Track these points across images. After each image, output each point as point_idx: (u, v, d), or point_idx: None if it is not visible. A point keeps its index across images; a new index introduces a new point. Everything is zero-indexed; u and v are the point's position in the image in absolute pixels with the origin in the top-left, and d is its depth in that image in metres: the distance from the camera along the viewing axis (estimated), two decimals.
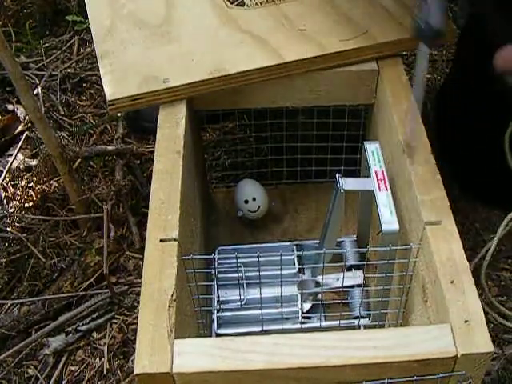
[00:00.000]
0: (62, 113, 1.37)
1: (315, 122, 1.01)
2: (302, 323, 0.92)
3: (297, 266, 0.97)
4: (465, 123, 1.10)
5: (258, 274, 0.74)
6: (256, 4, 0.95)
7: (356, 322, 0.90)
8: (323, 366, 0.58)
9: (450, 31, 0.91)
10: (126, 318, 1.03)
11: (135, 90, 0.82)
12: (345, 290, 0.95)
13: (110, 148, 1.25)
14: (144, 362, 0.59)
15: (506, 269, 1.08)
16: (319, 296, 0.94)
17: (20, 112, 1.36)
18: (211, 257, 0.75)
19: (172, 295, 0.64)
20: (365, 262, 0.83)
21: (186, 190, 0.77)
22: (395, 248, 0.72)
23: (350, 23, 0.90)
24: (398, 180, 0.80)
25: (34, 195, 1.19)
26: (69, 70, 1.45)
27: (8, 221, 1.16)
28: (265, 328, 0.87)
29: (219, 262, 0.90)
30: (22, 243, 1.11)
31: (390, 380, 0.60)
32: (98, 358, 0.99)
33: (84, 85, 1.44)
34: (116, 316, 1.04)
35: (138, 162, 1.25)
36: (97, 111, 1.38)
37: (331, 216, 0.85)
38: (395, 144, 0.81)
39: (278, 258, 0.72)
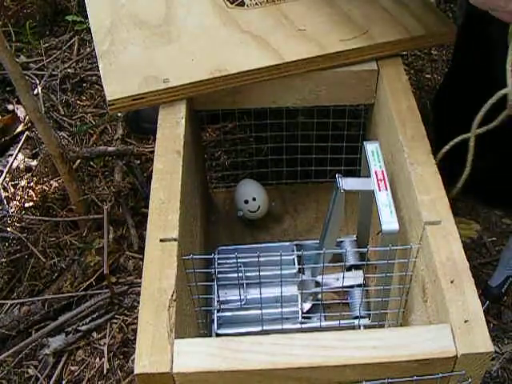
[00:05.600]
0: (62, 113, 1.37)
1: (315, 122, 1.01)
2: (301, 323, 0.92)
3: (297, 265, 0.97)
4: (464, 123, 1.10)
5: (258, 273, 0.74)
6: (256, 4, 0.95)
7: (356, 322, 0.90)
8: (323, 366, 0.58)
9: (450, 31, 0.91)
10: (126, 318, 1.03)
11: (135, 89, 0.82)
12: (345, 289, 0.95)
13: (110, 149, 1.25)
14: (144, 361, 0.59)
15: None
16: (319, 296, 0.94)
17: (20, 112, 1.36)
18: (211, 257, 0.75)
19: (172, 295, 0.64)
20: (365, 262, 0.83)
21: (186, 189, 0.77)
22: (395, 248, 0.72)
23: (350, 23, 0.90)
24: (398, 180, 0.80)
25: (34, 195, 1.19)
26: (69, 70, 1.45)
27: (8, 221, 1.16)
28: (265, 328, 0.87)
29: (219, 262, 0.90)
30: (22, 243, 1.11)
31: (389, 380, 0.60)
32: (98, 358, 0.99)
33: (84, 85, 1.44)
34: (116, 316, 1.04)
35: (138, 162, 1.25)
36: (97, 111, 1.38)
37: (331, 216, 0.85)
38: (395, 144, 0.81)
39: (278, 258, 0.72)
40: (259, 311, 0.85)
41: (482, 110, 0.78)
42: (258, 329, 0.87)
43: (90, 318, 1.03)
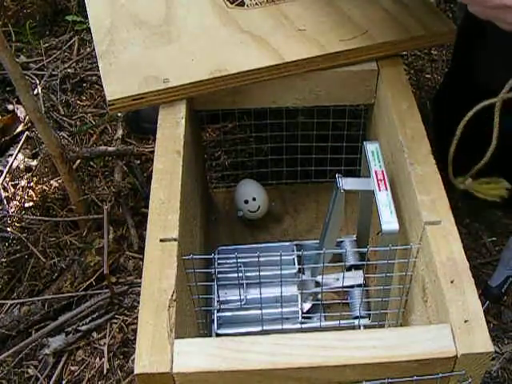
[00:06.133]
0: (62, 113, 1.37)
1: (315, 122, 1.01)
2: (302, 323, 0.92)
3: (297, 265, 0.97)
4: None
5: (258, 273, 0.74)
6: (256, 4, 0.95)
7: (356, 322, 0.90)
8: (323, 366, 0.58)
9: (450, 31, 0.91)
10: (126, 318, 1.03)
11: (135, 89, 0.82)
12: (345, 289, 0.95)
13: (110, 149, 1.25)
14: (144, 361, 0.59)
15: None
16: (319, 296, 0.94)
17: (20, 112, 1.36)
18: (211, 257, 0.75)
19: (172, 295, 0.64)
20: (365, 262, 0.83)
21: (186, 189, 0.77)
22: (395, 248, 0.72)
23: (350, 23, 0.90)
24: (398, 180, 0.80)
25: (34, 195, 1.19)
26: (69, 70, 1.45)
27: (8, 221, 1.16)
28: (265, 328, 0.87)
29: (219, 262, 0.90)
30: (22, 243, 1.11)
31: (389, 380, 0.60)
32: (98, 358, 0.99)
33: (84, 85, 1.44)
34: (116, 316, 1.04)
35: (138, 162, 1.25)
36: (97, 111, 1.38)
37: (331, 216, 0.85)
38: (395, 144, 0.81)
39: (278, 258, 0.72)
40: (259, 311, 0.85)
41: (508, 84, 0.76)
42: (258, 329, 0.87)
43: (90, 318, 1.03)
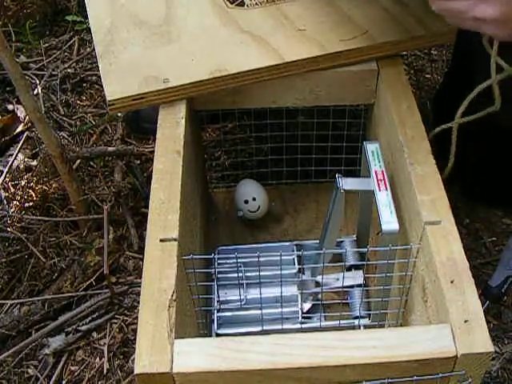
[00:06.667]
0: (62, 113, 1.37)
1: (315, 122, 1.01)
2: (302, 323, 0.92)
3: (297, 265, 0.97)
4: (464, 123, 1.09)
5: (258, 273, 0.74)
6: (256, 4, 0.95)
7: (356, 322, 0.90)
8: (323, 366, 0.58)
9: (450, 31, 0.91)
10: (126, 318, 1.03)
11: (135, 89, 0.82)
12: (345, 289, 0.95)
13: (110, 149, 1.25)
14: (144, 361, 0.59)
15: None
16: (319, 296, 0.94)
17: (20, 112, 1.36)
18: (211, 257, 0.75)
19: (172, 295, 0.64)
20: (365, 262, 0.83)
21: (186, 189, 0.77)
22: (395, 248, 0.72)
23: (350, 23, 0.90)
24: (398, 180, 0.80)
25: (34, 195, 1.19)
26: (69, 70, 1.45)
27: (8, 221, 1.16)
28: (265, 328, 0.87)
29: (219, 261, 0.90)
30: (22, 243, 1.11)
31: (389, 380, 0.60)
32: (98, 358, 0.99)
33: (84, 85, 1.44)
34: (116, 316, 1.04)
35: (138, 162, 1.25)
36: (97, 111, 1.38)
37: (331, 216, 0.85)
38: (395, 144, 0.81)
39: (278, 258, 0.72)
40: (259, 311, 0.85)
41: (465, 101, 0.78)
42: (258, 329, 0.87)
43: (90, 318, 1.03)
